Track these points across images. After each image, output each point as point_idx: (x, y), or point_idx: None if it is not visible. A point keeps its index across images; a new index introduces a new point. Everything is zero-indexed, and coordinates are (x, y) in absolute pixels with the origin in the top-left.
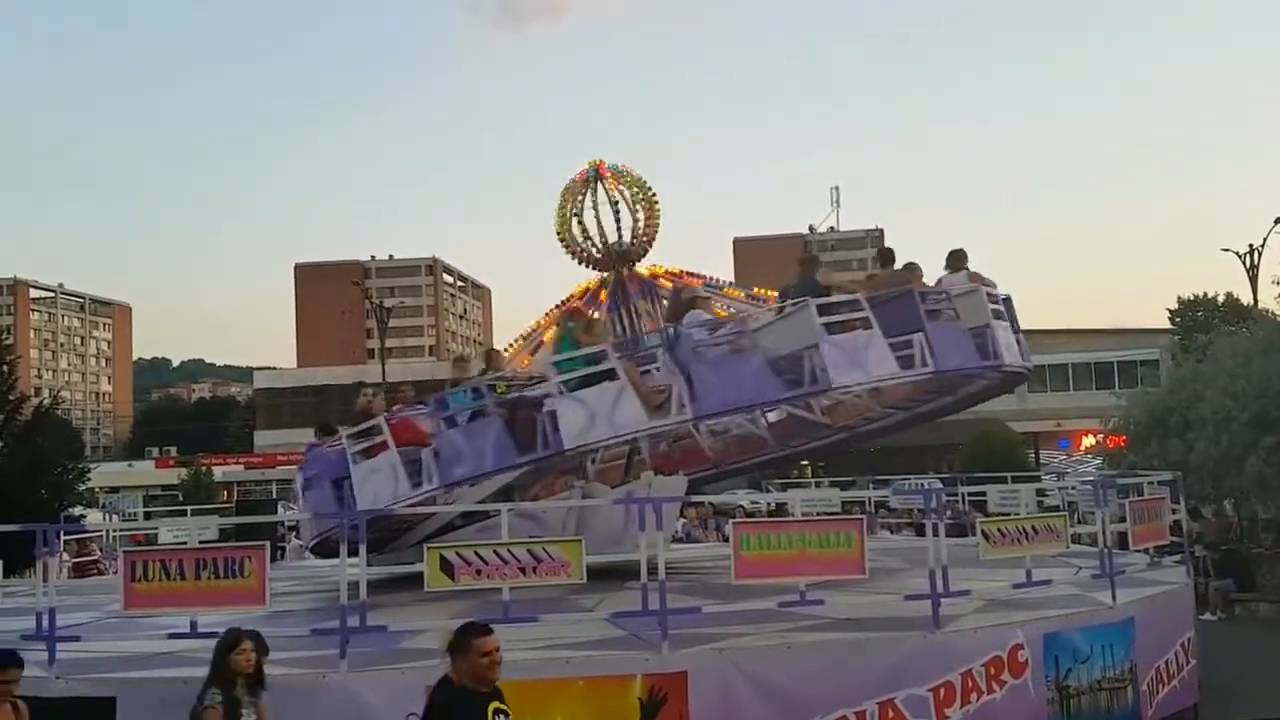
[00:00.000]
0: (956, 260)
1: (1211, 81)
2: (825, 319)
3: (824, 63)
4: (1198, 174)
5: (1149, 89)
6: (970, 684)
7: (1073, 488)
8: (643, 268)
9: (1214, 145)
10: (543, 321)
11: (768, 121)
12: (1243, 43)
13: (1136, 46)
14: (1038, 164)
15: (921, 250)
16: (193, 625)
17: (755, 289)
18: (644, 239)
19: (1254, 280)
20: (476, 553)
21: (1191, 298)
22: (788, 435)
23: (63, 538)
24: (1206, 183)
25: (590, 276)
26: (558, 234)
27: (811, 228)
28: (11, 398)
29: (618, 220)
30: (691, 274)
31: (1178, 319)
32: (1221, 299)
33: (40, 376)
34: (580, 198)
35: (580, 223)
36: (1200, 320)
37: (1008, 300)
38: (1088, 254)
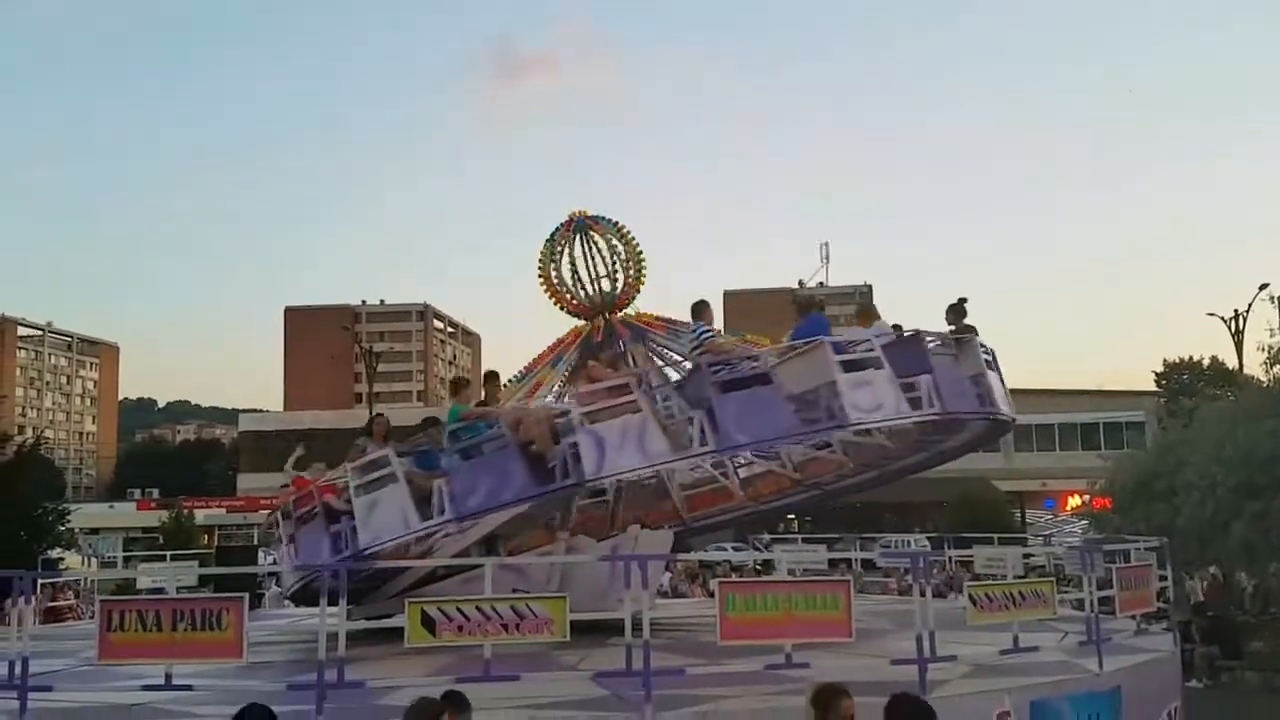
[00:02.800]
0: (865, 316)
1: (1198, 145)
2: (584, 409)
3: (815, 120)
4: (1183, 238)
5: (1137, 152)
6: None
7: (1059, 554)
8: (629, 315)
9: (1201, 211)
10: (534, 364)
11: (759, 176)
12: (1224, 115)
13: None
14: (1025, 224)
15: (907, 310)
16: (167, 678)
17: (747, 336)
18: (629, 287)
19: (1239, 345)
20: (459, 608)
21: (1177, 361)
22: (759, 491)
23: (39, 584)
24: (1192, 247)
25: (577, 324)
26: (542, 282)
27: (801, 283)
28: None
29: (601, 269)
30: (680, 322)
31: (1164, 381)
32: (1207, 363)
33: (25, 415)
34: (563, 246)
35: (563, 271)
36: (1186, 384)
37: (991, 352)
38: (1074, 315)
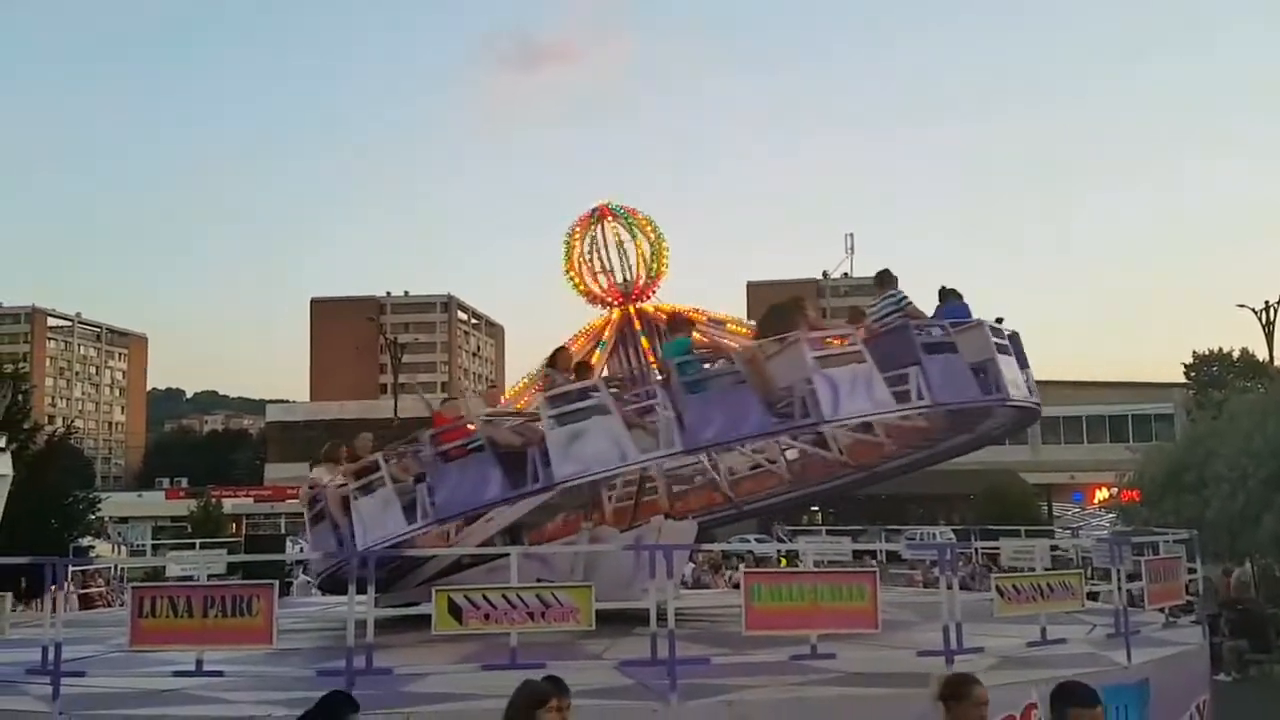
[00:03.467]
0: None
1: (1227, 134)
2: (817, 354)
3: (840, 105)
4: (1214, 229)
5: (1165, 143)
6: None
7: (1087, 547)
8: (650, 306)
9: (1231, 201)
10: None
11: (783, 166)
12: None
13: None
14: (1054, 213)
15: (930, 297)
16: (198, 664)
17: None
18: (651, 278)
19: (1269, 336)
20: (485, 596)
21: (1207, 352)
22: (805, 474)
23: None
24: (1222, 237)
25: (600, 315)
26: (565, 273)
27: (825, 273)
28: (26, 427)
29: (624, 259)
30: (698, 312)
31: (1193, 373)
32: (1237, 354)
33: (54, 405)
34: (587, 237)
35: (587, 262)
36: (1215, 375)
37: (1014, 336)
38: (1104, 306)
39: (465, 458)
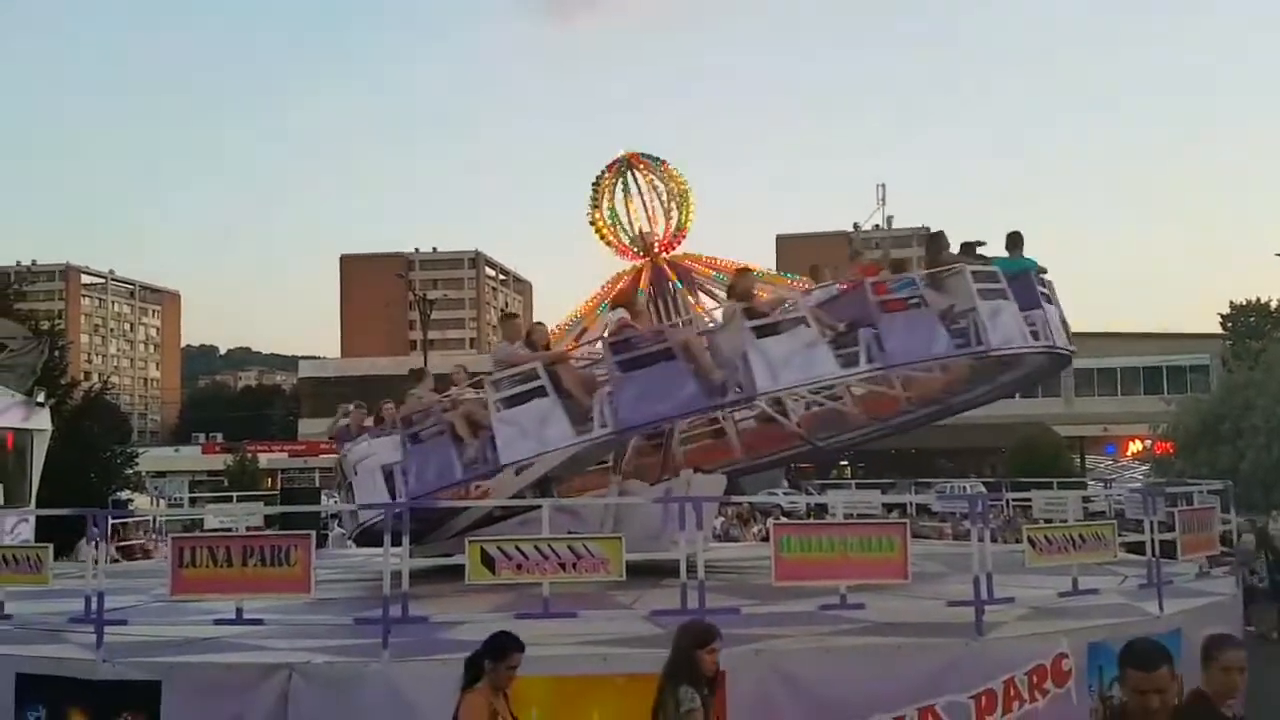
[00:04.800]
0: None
1: (1266, 83)
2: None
3: (873, 58)
4: (1251, 178)
5: (1203, 91)
6: (1012, 692)
7: (1120, 495)
8: (677, 255)
9: (1269, 149)
10: (583, 310)
11: (814, 117)
12: None
13: (1190, 51)
14: (1089, 165)
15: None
16: (238, 612)
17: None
18: (677, 228)
19: None
20: (517, 547)
21: (1244, 303)
22: (819, 427)
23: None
24: (1259, 186)
25: (625, 267)
26: (590, 222)
27: (856, 225)
28: (63, 382)
29: (649, 209)
30: (731, 262)
31: (1229, 324)
32: (1274, 304)
33: (90, 361)
34: (613, 187)
35: (613, 211)
36: (1252, 326)
37: (1050, 284)
38: (1138, 257)
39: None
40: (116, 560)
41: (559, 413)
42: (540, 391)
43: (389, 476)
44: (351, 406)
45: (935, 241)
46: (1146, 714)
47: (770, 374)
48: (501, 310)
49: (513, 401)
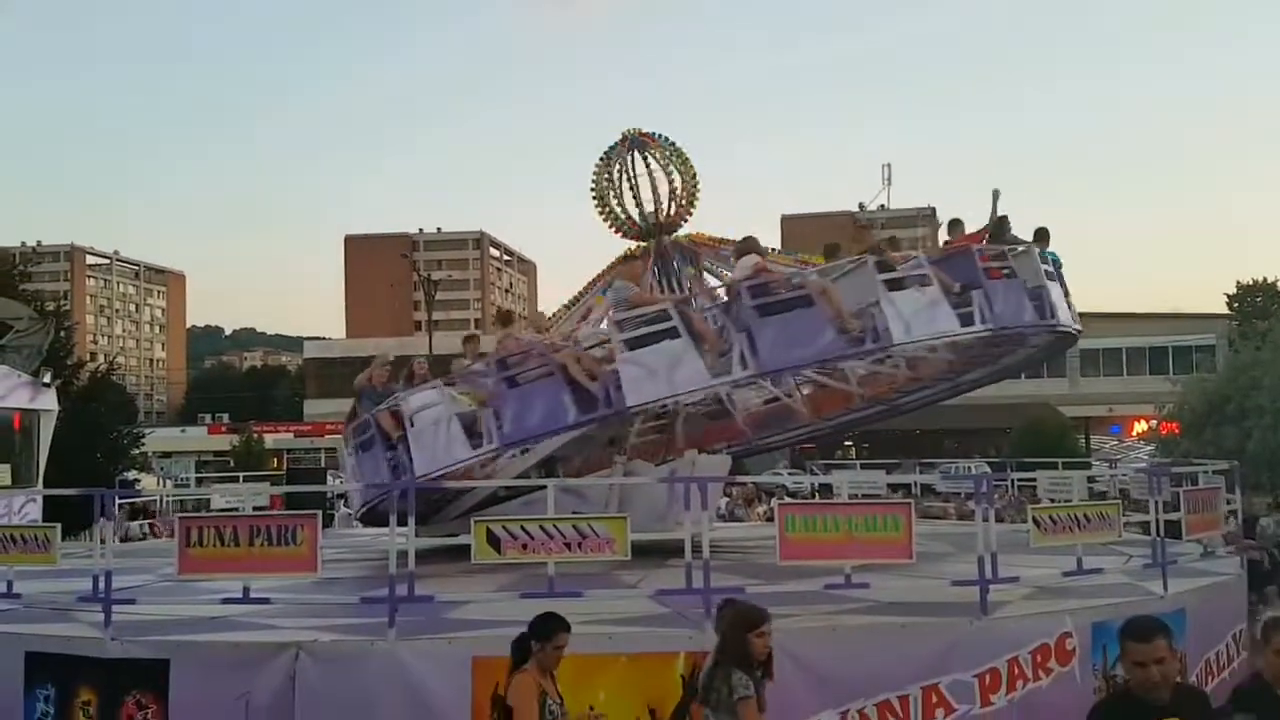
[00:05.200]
0: (746, 245)
1: (1273, 63)
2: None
3: (877, 37)
4: (1258, 158)
5: (1211, 72)
6: (1017, 671)
7: (1125, 475)
8: (681, 235)
9: (1276, 129)
10: (586, 289)
11: (820, 97)
12: None
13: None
14: (1097, 146)
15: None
16: (245, 591)
17: (803, 257)
18: (681, 207)
19: None
20: (523, 527)
21: (1250, 283)
22: (821, 408)
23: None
24: (1267, 167)
25: (630, 246)
26: (594, 201)
27: (861, 205)
28: (69, 363)
29: (654, 188)
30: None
31: (1235, 304)
32: None
33: (95, 342)
34: (617, 165)
35: (617, 190)
36: (1259, 306)
37: (1058, 263)
38: (1143, 237)
39: (537, 383)
40: (143, 538)
41: (692, 354)
42: (672, 333)
43: (470, 424)
44: (391, 357)
45: (1001, 224)
46: (1148, 687)
47: (904, 327)
48: (507, 290)
49: (639, 343)
